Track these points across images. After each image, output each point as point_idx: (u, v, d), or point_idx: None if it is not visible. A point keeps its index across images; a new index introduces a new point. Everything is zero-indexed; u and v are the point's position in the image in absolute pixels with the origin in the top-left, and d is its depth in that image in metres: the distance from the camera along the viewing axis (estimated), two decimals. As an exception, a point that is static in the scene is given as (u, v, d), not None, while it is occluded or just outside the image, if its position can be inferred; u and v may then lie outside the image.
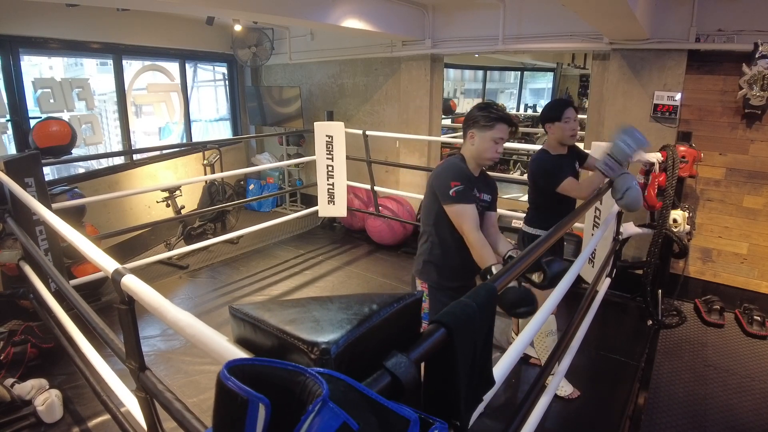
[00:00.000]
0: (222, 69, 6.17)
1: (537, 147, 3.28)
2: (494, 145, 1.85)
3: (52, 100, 4.05)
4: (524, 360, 2.86)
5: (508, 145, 7.69)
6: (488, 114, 1.83)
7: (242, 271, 4.28)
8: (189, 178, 5.26)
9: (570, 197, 2.40)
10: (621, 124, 2.28)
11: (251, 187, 6.22)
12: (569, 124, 2.33)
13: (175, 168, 5.29)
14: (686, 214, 3.33)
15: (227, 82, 6.25)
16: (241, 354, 0.84)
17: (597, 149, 3.05)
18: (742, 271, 3.60)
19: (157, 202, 4.54)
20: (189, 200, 4.99)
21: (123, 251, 4.35)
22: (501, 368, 1.31)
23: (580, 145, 2.84)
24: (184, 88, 5.48)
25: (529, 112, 9.01)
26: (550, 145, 2.44)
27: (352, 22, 3.93)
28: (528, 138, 8.20)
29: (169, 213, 4.62)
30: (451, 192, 1.80)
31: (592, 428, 2.43)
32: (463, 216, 1.81)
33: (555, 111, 2.36)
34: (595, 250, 3.01)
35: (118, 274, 1.27)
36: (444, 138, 5.76)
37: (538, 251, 1.49)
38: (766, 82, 3.16)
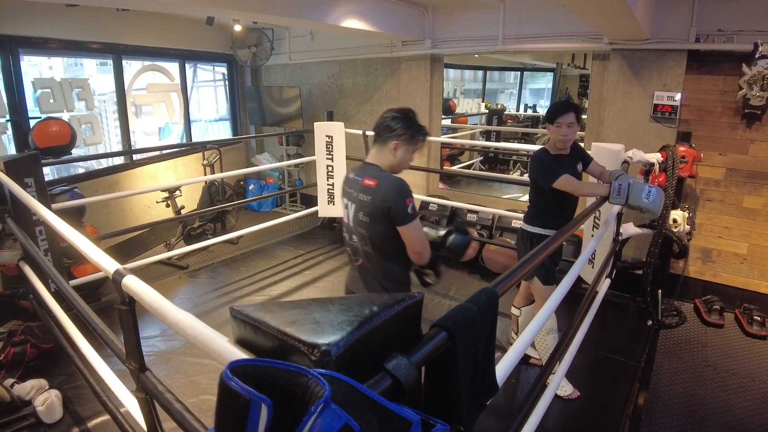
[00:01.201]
0: (222, 69, 6.16)
1: (537, 147, 3.27)
2: (412, 157, 1.85)
3: (51, 100, 4.05)
4: (524, 360, 2.86)
5: (507, 145, 7.65)
6: (418, 130, 1.80)
7: (242, 271, 4.28)
8: (189, 178, 5.26)
9: (570, 197, 2.40)
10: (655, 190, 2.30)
11: (251, 187, 6.22)
12: (561, 129, 2.33)
13: (175, 168, 5.29)
14: (686, 214, 3.33)
15: (227, 82, 6.25)
16: (242, 355, 0.84)
17: (597, 150, 3.05)
18: (742, 271, 3.60)
19: (157, 202, 4.54)
20: (189, 200, 4.99)
21: (123, 251, 4.35)
22: (501, 369, 1.30)
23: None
24: (184, 88, 5.48)
25: (529, 112, 9.02)
26: (550, 145, 2.45)
27: (352, 22, 3.93)
28: (528, 138, 8.21)
29: (169, 213, 4.61)
30: (409, 210, 1.71)
31: (592, 428, 2.43)
32: (420, 230, 1.75)
33: (552, 113, 2.37)
34: (595, 250, 3.01)
35: (118, 275, 1.27)
36: (444, 138, 5.76)
37: (541, 255, 1.50)
38: (765, 82, 3.16)
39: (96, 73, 4.74)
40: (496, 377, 1.07)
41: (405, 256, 1.80)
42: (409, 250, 1.77)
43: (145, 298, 1.18)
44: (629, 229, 3.27)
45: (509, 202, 5.05)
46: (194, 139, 5.66)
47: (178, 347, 2.96)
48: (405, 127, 1.77)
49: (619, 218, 2.98)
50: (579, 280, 2.77)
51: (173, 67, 5.36)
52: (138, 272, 1.32)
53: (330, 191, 4.61)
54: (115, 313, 1.32)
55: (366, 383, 0.69)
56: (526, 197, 3.25)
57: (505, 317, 2.97)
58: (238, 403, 0.55)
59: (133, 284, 1.23)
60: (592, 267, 3.25)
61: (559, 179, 2.29)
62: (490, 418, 2.33)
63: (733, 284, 3.64)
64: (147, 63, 5.07)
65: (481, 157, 7.56)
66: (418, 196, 4.65)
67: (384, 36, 4.57)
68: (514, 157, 7.32)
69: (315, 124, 4.51)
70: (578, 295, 2.72)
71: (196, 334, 1.02)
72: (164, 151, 5.17)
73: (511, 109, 9.02)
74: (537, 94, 9.61)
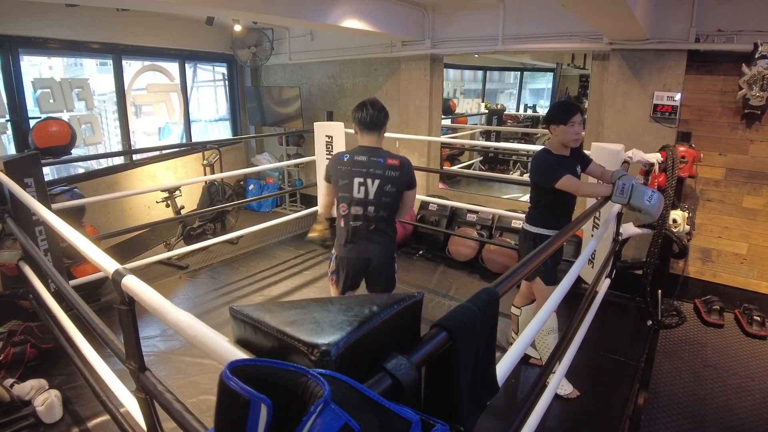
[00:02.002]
0: (222, 69, 6.16)
1: (537, 147, 3.28)
2: None
3: (51, 100, 4.05)
4: (524, 360, 2.86)
5: (507, 145, 7.65)
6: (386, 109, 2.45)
7: (242, 271, 4.28)
8: (189, 178, 5.26)
9: (571, 197, 2.40)
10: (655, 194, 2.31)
11: (251, 187, 6.22)
12: (574, 128, 2.33)
13: (174, 168, 5.29)
14: (686, 215, 3.33)
15: (227, 82, 6.25)
16: (242, 355, 0.84)
17: (597, 151, 3.05)
18: (742, 271, 3.60)
19: (157, 202, 4.53)
20: (189, 200, 4.99)
21: (123, 251, 4.35)
22: (501, 369, 1.30)
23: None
24: (184, 88, 5.48)
25: (529, 112, 9.02)
26: (552, 145, 2.44)
27: (352, 23, 3.93)
28: (528, 138, 8.21)
29: (168, 213, 4.61)
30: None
31: (592, 428, 2.43)
32: None
33: (563, 114, 2.35)
34: (594, 250, 3.01)
35: (118, 275, 1.27)
36: (444, 138, 5.76)
37: (541, 255, 1.50)
38: (765, 83, 3.16)
39: (96, 73, 4.74)
40: (496, 377, 1.07)
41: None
42: (408, 208, 2.36)
43: (144, 298, 1.18)
44: (629, 229, 3.27)
45: (509, 202, 5.05)
46: (194, 139, 5.66)
47: (178, 347, 2.96)
48: (386, 112, 2.44)
49: (619, 218, 2.99)
50: (579, 280, 2.77)
51: (173, 67, 5.36)
52: (138, 272, 1.32)
53: (330, 191, 4.61)
54: (115, 313, 1.32)
55: (366, 383, 0.69)
56: (526, 197, 3.25)
57: (505, 317, 2.97)
58: (238, 403, 0.55)
59: (133, 284, 1.23)
60: (592, 267, 3.25)
61: (561, 179, 2.29)
62: (490, 417, 2.33)
63: (733, 284, 3.65)
64: (147, 63, 5.07)
65: (481, 157, 7.56)
66: (418, 196, 4.64)
67: (384, 36, 4.57)
68: (514, 157, 7.33)
69: (315, 124, 4.51)
70: (578, 295, 2.72)
71: (195, 334, 1.02)
72: (164, 151, 5.17)
73: (511, 109, 9.02)
74: (537, 94, 9.61)
